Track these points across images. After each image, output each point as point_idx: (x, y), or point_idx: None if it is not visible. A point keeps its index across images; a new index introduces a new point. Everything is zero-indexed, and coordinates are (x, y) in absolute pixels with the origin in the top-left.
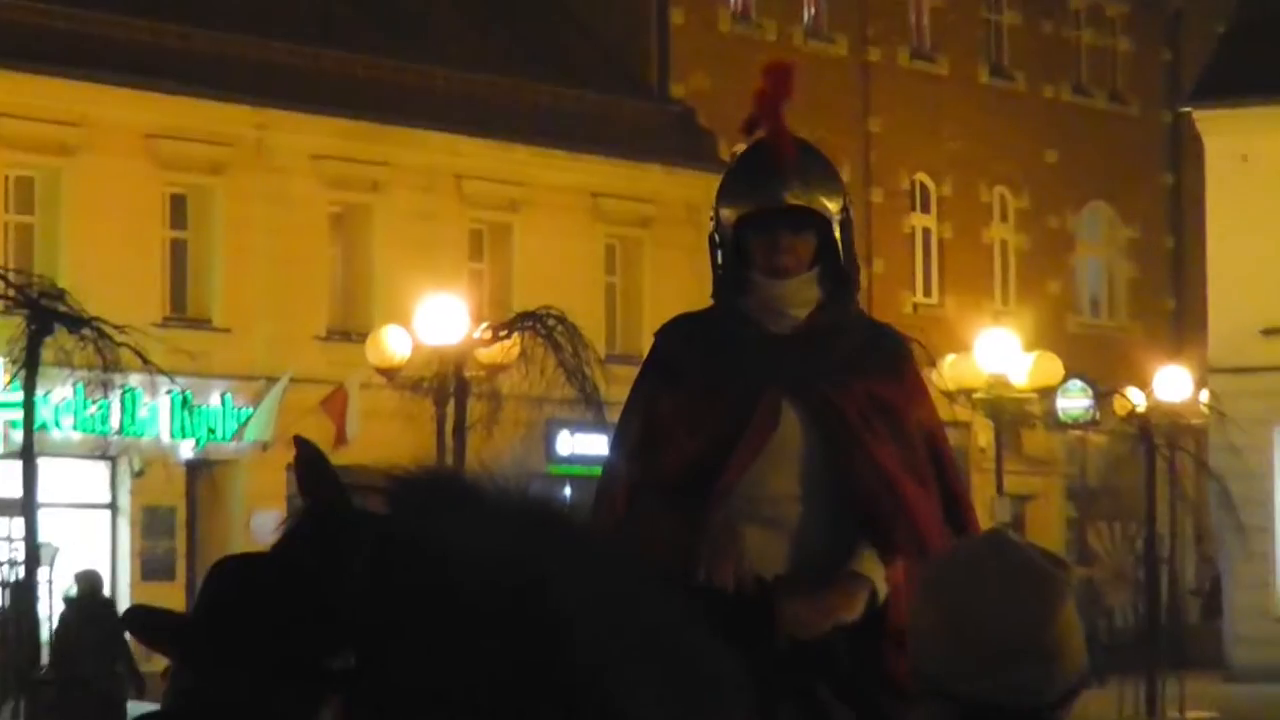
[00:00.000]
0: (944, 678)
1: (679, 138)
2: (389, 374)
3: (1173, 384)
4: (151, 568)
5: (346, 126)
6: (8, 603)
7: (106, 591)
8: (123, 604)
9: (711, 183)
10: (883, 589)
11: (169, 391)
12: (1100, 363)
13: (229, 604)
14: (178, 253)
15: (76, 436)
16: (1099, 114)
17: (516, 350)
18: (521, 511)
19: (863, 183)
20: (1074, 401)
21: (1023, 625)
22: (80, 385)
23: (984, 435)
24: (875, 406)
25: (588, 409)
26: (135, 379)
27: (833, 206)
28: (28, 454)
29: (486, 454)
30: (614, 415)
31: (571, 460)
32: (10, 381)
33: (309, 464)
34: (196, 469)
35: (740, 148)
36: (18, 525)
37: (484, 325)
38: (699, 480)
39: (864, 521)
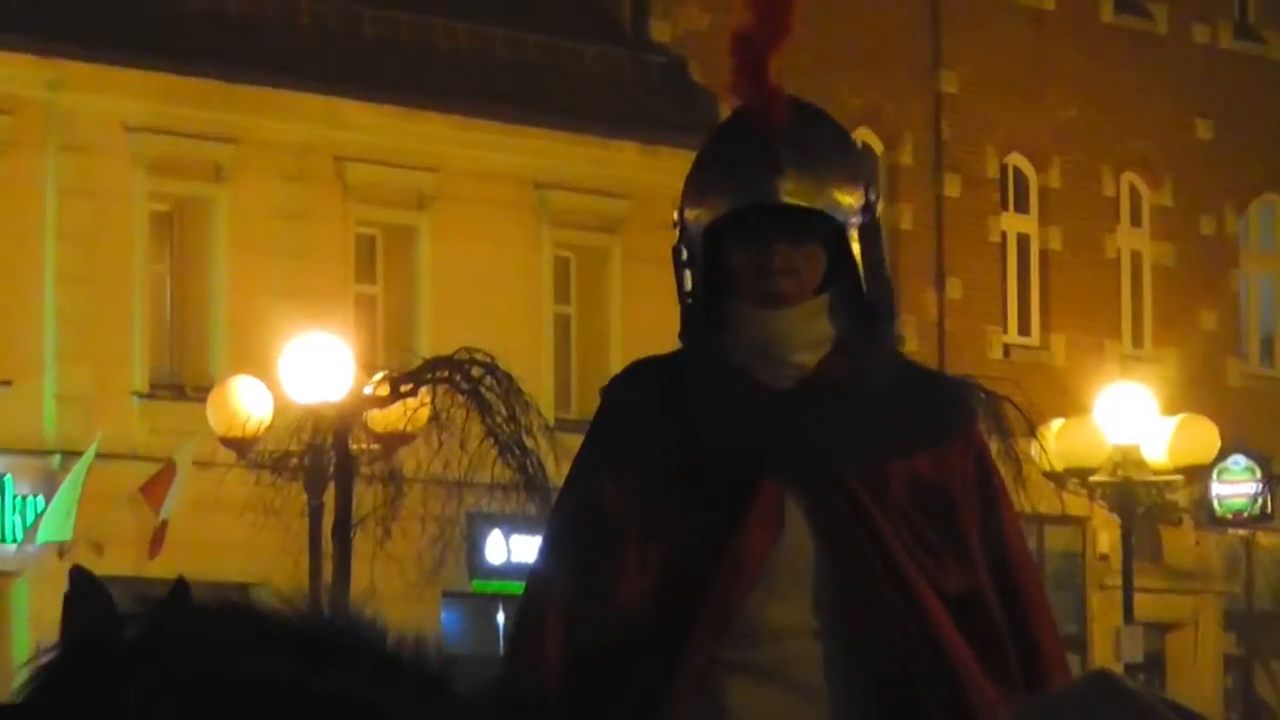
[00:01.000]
0: None
1: (662, 101)
2: (239, 446)
3: None
4: None
5: (176, 85)
6: None
7: None
8: None
9: None
10: None
11: None
12: (1275, 430)
13: None
14: None
15: None
16: (1274, 67)
17: (426, 412)
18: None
19: (931, 167)
20: (1236, 487)
21: None
22: None
23: (1106, 536)
24: (922, 503)
25: (529, 498)
26: None
27: (849, 202)
28: None
29: (383, 564)
30: None
31: (506, 573)
32: None
33: (77, 590)
34: None
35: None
36: None
37: (379, 376)
38: (664, 613)
39: (891, 683)
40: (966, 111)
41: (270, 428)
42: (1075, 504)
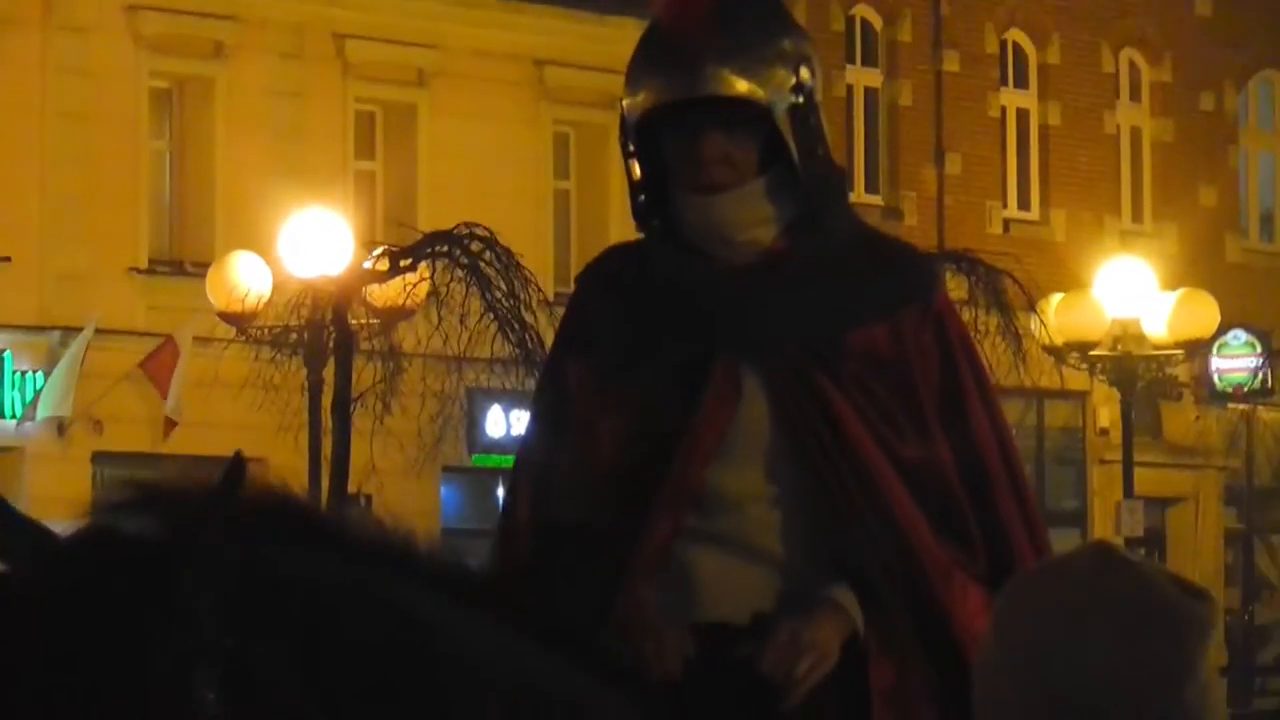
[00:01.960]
0: None
1: None
2: (239, 321)
3: None
4: None
5: None
6: None
7: None
8: None
9: None
10: (861, 632)
11: None
12: (1275, 306)
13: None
14: None
15: None
16: None
17: (425, 287)
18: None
19: (930, 44)
20: (1236, 361)
21: (1145, 682)
22: None
23: (1107, 411)
24: (879, 372)
25: (528, 372)
26: None
27: (778, 84)
28: None
29: (383, 439)
30: None
31: (505, 447)
32: None
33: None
34: None
35: None
36: None
37: (378, 251)
38: (625, 485)
39: (845, 548)
40: None
41: (269, 303)
42: (1075, 379)
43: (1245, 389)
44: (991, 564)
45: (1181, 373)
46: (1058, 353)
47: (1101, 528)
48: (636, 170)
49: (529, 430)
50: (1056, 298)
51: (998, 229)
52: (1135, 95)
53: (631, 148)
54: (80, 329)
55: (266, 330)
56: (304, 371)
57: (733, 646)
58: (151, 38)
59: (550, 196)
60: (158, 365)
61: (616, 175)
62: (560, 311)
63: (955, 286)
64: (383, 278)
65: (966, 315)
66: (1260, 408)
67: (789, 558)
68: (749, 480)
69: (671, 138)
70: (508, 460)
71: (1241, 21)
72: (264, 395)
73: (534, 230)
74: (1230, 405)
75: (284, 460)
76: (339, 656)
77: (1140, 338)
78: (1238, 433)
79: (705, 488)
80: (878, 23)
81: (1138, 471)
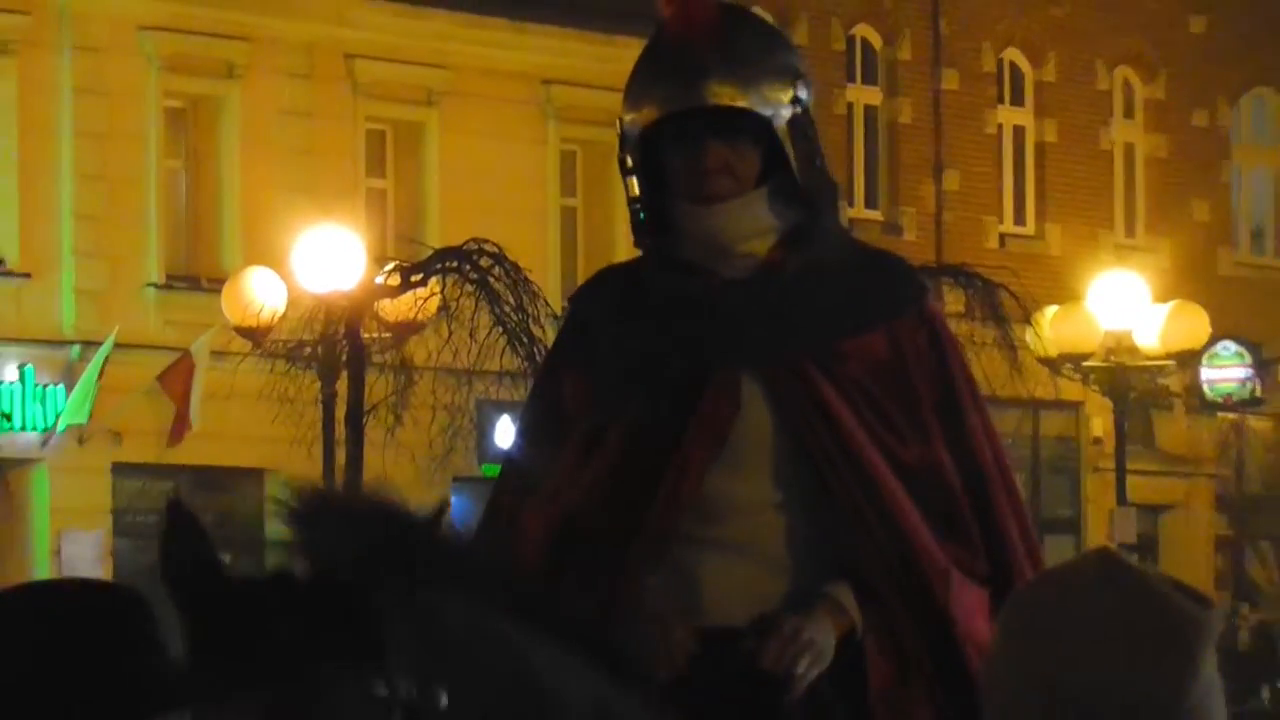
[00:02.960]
0: None
1: None
2: (254, 336)
3: None
4: None
5: None
6: None
7: None
8: None
9: None
10: (860, 631)
11: None
12: (1264, 318)
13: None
14: None
15: None
16: None
17: (436, 302)
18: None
19: (930, 62)
20: (1226, 372)
21: (1146, 688)
22: None
23: (1100, 421)
24: (878, 377)
25: None
26: None
27: (777, 98)
28: None
29: (394, 450)
30: None
31: None
32: None
33: (174, 525)
34: None
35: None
36: None
37: (389, 267)
38: (621, 491)
39: (842, 554)
40: (964, 8)
41: (284, 318)
42: (1070, 389)
43: (1235, 399)
44: (991, 564)
45: (1173, 383)
46: (1052, 364)
47: (1095, 534)
48: (635, 186)
49: (518, 441)
50: (1051, 310)
51: (994, 243)
52: (1129, 112)
53: (630, 163)
54: (99, 344)
55: (281, 344)
56: (318, 384)
57: (735, 645)
58: (164, 58)
59: (557, 213)
60: (174, 380)
61: (621, 192)
62: None
63: (953, 300)
64: (394, 293)
65: (964, 327)
66: (1250, 417)
67: (792, 561)
68: (752, 486)
69: (674, 149)
70: None
71: (1234, 39)
72: (279, 408)
73: (541, 246)
74: (1220, 414)
75: (298, 470)
76: (505, 709)
77: (1133, 349)
78: (1228, 441)
79: (708, 494)
80: (878, 42)
81: (1130, 479)
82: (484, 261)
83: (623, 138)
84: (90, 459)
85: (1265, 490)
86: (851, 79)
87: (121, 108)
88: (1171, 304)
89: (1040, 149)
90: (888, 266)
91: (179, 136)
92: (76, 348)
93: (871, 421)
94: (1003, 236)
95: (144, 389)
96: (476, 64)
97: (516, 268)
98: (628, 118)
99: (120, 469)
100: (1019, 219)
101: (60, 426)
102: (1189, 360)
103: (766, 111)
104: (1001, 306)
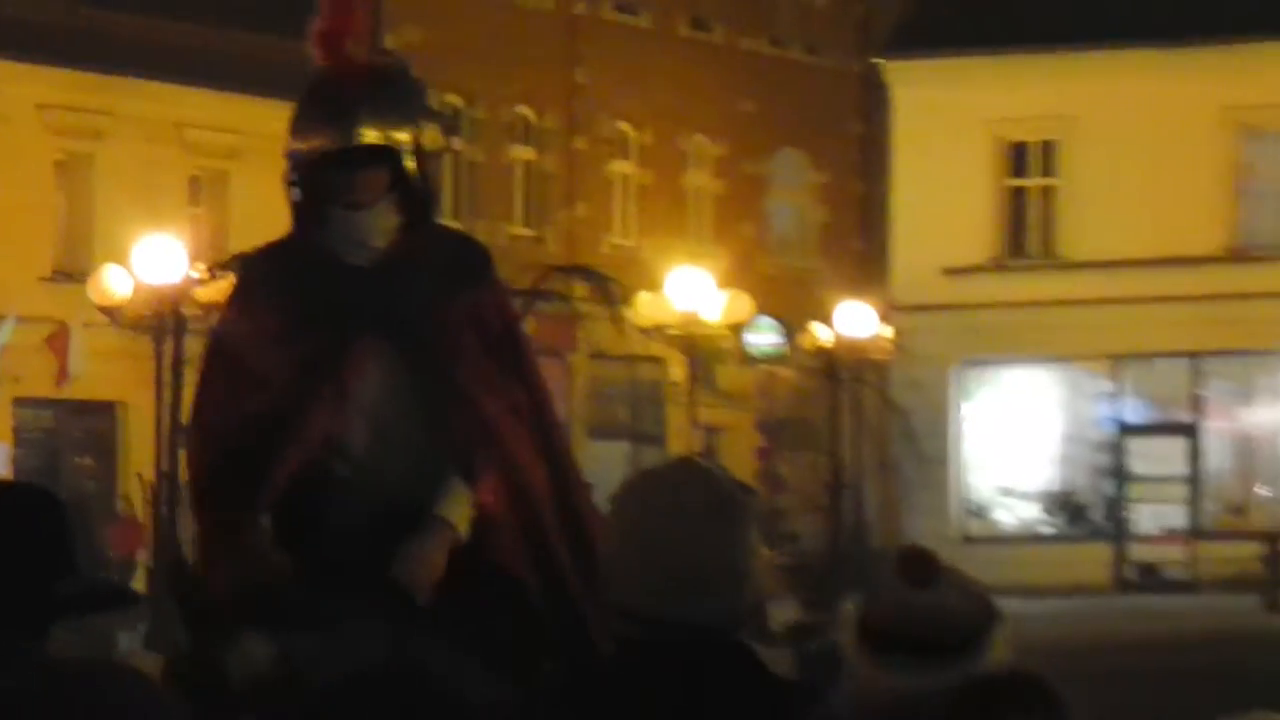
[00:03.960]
0: (637, 602)
1: None
2: (110, 312)
3: (858, 321)
4: None
5: (72, 77)
6: None
7: None
8: None
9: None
10: (464, 522)
11: None
12: (790, 301)
13: None
14: None
15: None
16: (794, 64)
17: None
18: None
19: (567, 130)
20: (764, 337)
21: (715, 550)
22: None
23: (678, 369)
24: (478, 334)
25: None
26: None
27: (405, 138)
28: None
29: None
30: None
31: None
32: None
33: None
34: None
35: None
36: None
37: (201, 265)
38: (267, 437)
39: (451, 448)
40: (592, 93)
41: (130, 301)
42: (657, 349)
43: (769, 356)
44: (553, 466)
45: (729, 345)
46: (647, 331)
47: (675, 447)
48: (296, 194)
49: (201, 392)
50: (645, 295)
51: (609, 250)
52: (701, 164)
53: (295, 178)
54: (4, 318)
55: (130, 318)
56: (152, 346)
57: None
58: (56, 125)
59: None
60: (56, 342)
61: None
62: None
63: (581, 289)
64: (205, 283)
65: (588, 307)
66: (779, 369)
67: (426, 500)
68: (383, 435)
69: (332, 171)
70: None
71: (773, 114)
72: (127, 361)
73: None
74: (760, 366)
75: (142, 403)
76: None
77: (700, 322)
78: (764, 385)
79: (347, 442)
80: (533, 116)
81: (699, 409)
82: None
83: (291, 158)
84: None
85: (788, 415)
86: (515, 141)
87: (18, 160)
88: (728, 292)
89: (641, 189)
90: (467, 246)
91: (63, 181)
92: None
93: (476, 371)
94: (614, 246)
95: (35, 347)
96: (263, 130)
97: None
98: (296, 145)
99: (19, 401)
100: (625, 234)
101: None
102: (739, 329)
103: (398, 146)
104: (614, 293)
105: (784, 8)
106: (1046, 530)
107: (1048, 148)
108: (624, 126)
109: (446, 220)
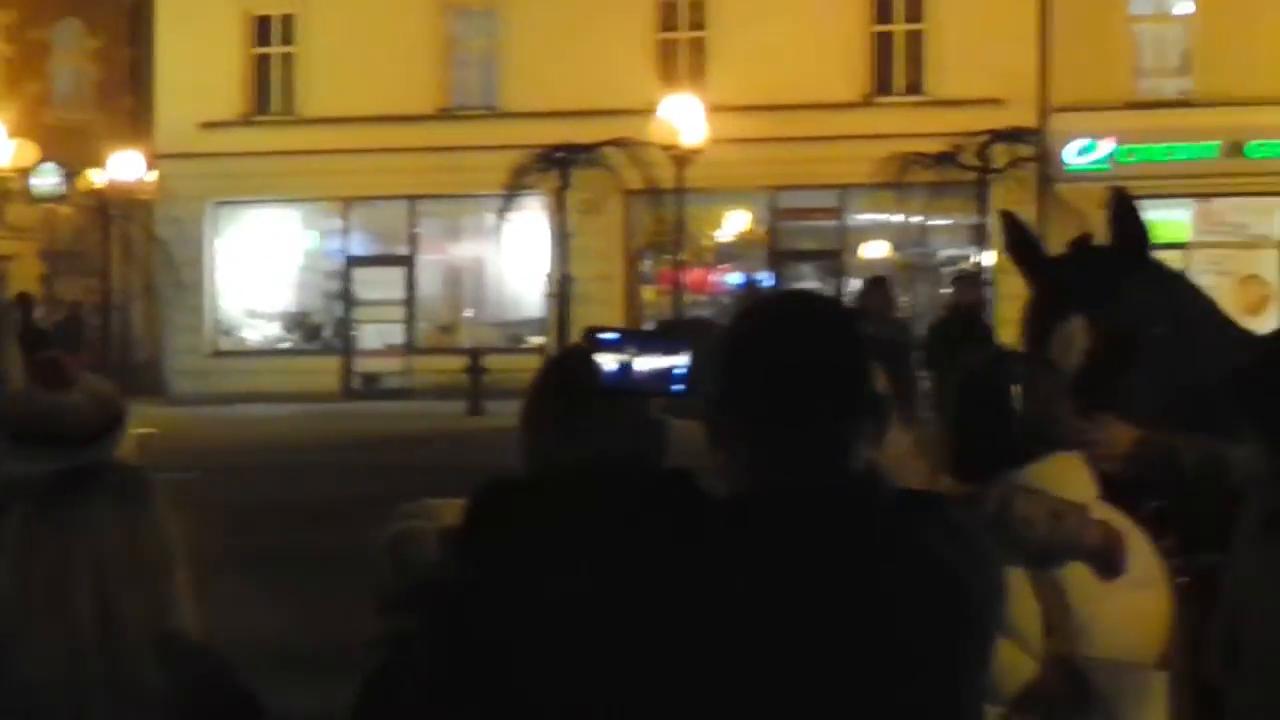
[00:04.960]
0: None
1: None
2: None
3: (127, 167)
4: None
5: None
6: None
7: None
8: None
9: None
10: None
11: None
12: (70, 149)
13: None
14: None
15: None
16: None
17: None
18: None
19: None
20: (46, 180)
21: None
22: None
23: None
24: None
25: None
26: None
27: None
28: None
29: None
30: None
31: None
32: None
33: None
34: None
35: None
36: None
37: None
38: None
39: None
40: None
41: None
42: None
43: (52, 196)
44: None
45: (16, 186)
46: None
47: None
48: None
49: None
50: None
51: None
52: None
53: None
54: None
55: None
56: None
57: None
58: None
59: None
60: None
61: None
62: None
63: None
64: None
65: None
66: (61, 207)
67: None
68: None
69: None
70: None
71: None
72: None
73: None
74: (43, 204)
75: None
76: None
77: None
78: (48, 220)
79: None
80: None
81: None
82: None
83: None
84: None
85: (69, 248)
86: None
87: None
88: (16, 141)
89: None
90: None
91: None
92: None
93: None
94: None
95: None
96: None
97: None
98: None
99: None
100: None
101: None
102: (25, 173)
103: None
104: None
105: None
106: (286, 345)
107: (288, 20)
108: None
109: None
